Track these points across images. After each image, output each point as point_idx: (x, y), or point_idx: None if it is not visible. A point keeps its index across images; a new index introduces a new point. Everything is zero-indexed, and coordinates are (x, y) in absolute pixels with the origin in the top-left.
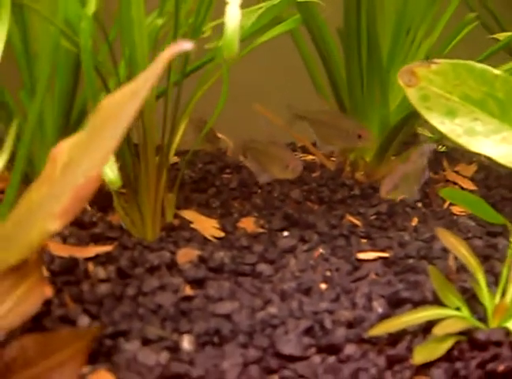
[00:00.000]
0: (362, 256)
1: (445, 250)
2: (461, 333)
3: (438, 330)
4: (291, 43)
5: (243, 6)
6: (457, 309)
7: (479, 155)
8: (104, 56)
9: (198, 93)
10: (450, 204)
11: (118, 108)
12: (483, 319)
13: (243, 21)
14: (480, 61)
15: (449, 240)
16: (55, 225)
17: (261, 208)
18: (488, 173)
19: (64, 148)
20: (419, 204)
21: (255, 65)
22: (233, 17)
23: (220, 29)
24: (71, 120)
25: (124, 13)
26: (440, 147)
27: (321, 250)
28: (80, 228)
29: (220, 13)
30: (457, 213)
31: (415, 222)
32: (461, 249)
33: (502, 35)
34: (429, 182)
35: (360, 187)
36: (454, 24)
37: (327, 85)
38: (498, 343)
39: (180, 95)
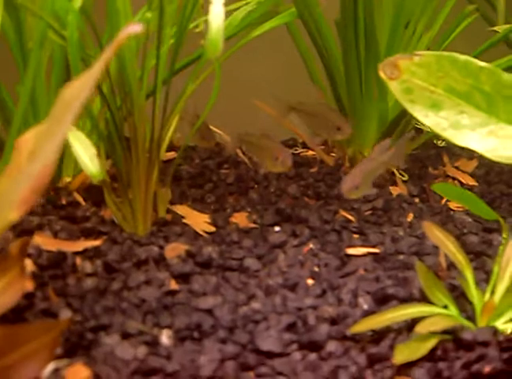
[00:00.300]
0: (351, 251)
1: (437, 246)
2: (446, 332)
3: (420, 328)
4: (288, 36)
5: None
6: (445, 307)
7: None
8: (93, 49)
9: (190, 88)
10: (448, 200)
11: (72, 96)
12: (471, 318)
13: (237, 14)
14: (479, 54)
15: (436, 236)
16: (14, 215)
17: (256, 203)
18: (489, 168)
19: (29, 137)
20: (417, 200)
21: (252, 58)
22: (217, 16)
23: None
24: None
25: (110, 5)
26: (440, 142)
27: (311, 245)
28: (71, 222)
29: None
30: (454, 209)
31: (410, 217)
32: (448, 246)
33: (501, 28)
34: (427, 177)
35: None
36: (455, 16)
37: (324, 79)
38: (485, 344)
39: (170, 90)
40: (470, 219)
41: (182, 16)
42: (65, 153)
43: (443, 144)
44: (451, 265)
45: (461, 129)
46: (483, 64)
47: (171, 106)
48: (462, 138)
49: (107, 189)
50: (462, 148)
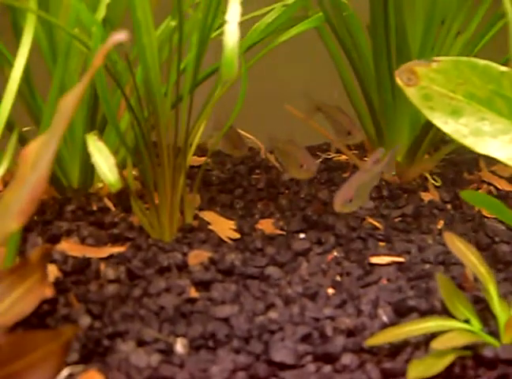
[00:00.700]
0: (375, 260)
1: None
2: (467, 348)
3: (437, 344)
4: (319, 40)
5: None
6: (467, 321)
7: None
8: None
9: (217, 94)
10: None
11: (64, 107)
12: (495, 333)
13: (264, 20)
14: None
15: (457, 247)
16: (14, 225)
17: (285, 209)
18: None
19: (33, 148)
20: (449, 206)
21: (283, 61)
22: (231, 36)
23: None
24: (97, 121)
25: (133, 15)
26: None
27: (335, 253)
28: (100, 228)
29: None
30: (488, 216)
31: (440, 224)
32: (470, 257)
33: None
34: (461, 183)
35: (389, 188)
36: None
37: (356, 84)
38: (509, 362)
39: (195, 96)
40: (503, 228)
41: (203, 24)
42: None
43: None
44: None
45: (482, 136)
46: (504, 68)
47: (197, 113)
48: (483, 146)
49: (133, 196)
50: None
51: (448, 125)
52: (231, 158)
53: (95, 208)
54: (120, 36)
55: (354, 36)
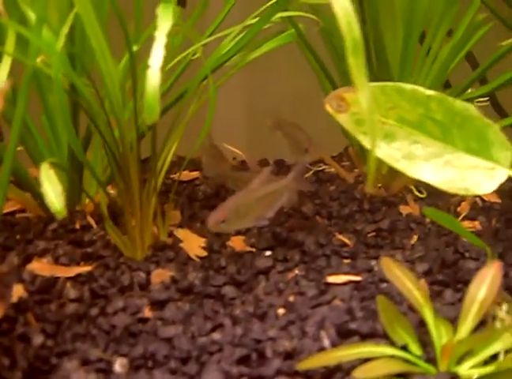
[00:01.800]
0: (332, 279)
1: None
2: (400, 375)
3: (358, 373)
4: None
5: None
6: (403, 347)
7: None
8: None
9: (189, 113)
10: (463, 219)
11: None
12: (433, 360)
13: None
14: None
15: (392, 272)
16: None
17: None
18: None
19: None
20: (428, 220)
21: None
22: (153, 81)
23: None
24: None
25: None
26: None
27: (296, 272)
28: (76, 247)
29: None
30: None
31: (414, 239)
32: (406, 283)
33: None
34: (445, 195)
35: (371, 201)
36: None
37: None
38: None
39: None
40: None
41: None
42: (85, 176)
43: None
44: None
45: (414, 159)
46: (431, 92)
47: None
48: (416, 169)
49: (104, 216)
50: None
51: (381, 150)
52: (220, 172)
53: (77, 226)
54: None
55: (333, 52)
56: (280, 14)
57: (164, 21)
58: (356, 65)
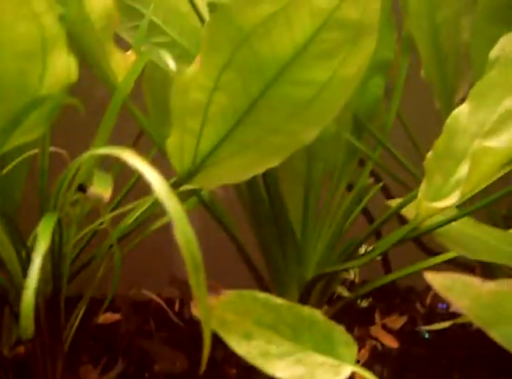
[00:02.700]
0: None
1: None
2: None
3: None
4: None
5: None
6: None
7: None
8: None
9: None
10: None
11: None
12: None
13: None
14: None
15: None
16: None
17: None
18: None
19: None
20: None
21: None
22: (29, 297)
23: None
24: None
25: None
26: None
27: None
28: None
29: None
30: None
31: None
32: None
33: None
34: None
35: None
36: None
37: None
38: None
39: None
40: None
41: None
42: None
43: (366, 304)
44: None
45: (269, 357)
46: (281, 301)
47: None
48: (271, 366)
49: None
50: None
51: (242, 347)
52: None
53: None
54: None
55: None
56: None
57: (42, 242)
58: (196, 282)
